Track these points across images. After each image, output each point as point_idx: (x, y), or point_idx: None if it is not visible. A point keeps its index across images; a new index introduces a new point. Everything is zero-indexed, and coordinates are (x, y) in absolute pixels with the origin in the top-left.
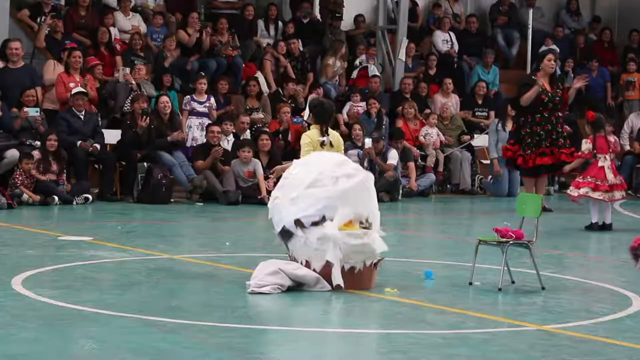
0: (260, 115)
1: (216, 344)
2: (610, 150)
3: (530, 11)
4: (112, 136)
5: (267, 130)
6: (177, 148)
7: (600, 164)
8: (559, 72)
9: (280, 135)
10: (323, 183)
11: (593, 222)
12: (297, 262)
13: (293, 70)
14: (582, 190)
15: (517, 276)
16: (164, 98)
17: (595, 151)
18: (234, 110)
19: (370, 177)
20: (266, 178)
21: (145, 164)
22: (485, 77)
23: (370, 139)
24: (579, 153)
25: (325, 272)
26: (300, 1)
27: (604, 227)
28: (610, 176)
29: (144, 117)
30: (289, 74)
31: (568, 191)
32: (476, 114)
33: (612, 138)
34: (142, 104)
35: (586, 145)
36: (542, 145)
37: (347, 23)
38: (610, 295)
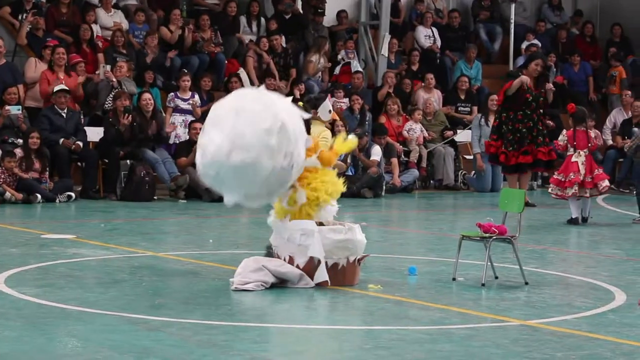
0: None
1: (200, 341)
2: (590, 145)
3: (513, 6)
4: (94, 134)
5: None
6: (160, 145)
7: (574, 159)
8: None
9: None
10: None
11: (573, 217)
12: (281, 258)
13: (276, 66)
14: (569, 192)
15: (500, 271)
16: (147, 95)
17: (574, 143)
18: None
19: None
20: None
21: (128, 161)
22: (468, 72)
23: (354, 135)
24: (555, 141)
25: (309, 268)
26: None
27: (583, 220)
28: (582, 172)
29: (127, 114)
30: (271, 70)
31: (549, 190)
32: (459, 109)
33: (592, 133)
34: (124, 101)
35: (562, 136)
36: (525, 144)
37: (329, 19)
38: (593, 289)
